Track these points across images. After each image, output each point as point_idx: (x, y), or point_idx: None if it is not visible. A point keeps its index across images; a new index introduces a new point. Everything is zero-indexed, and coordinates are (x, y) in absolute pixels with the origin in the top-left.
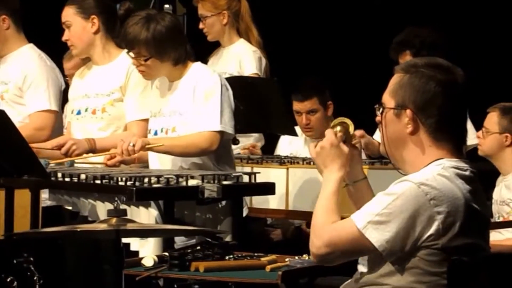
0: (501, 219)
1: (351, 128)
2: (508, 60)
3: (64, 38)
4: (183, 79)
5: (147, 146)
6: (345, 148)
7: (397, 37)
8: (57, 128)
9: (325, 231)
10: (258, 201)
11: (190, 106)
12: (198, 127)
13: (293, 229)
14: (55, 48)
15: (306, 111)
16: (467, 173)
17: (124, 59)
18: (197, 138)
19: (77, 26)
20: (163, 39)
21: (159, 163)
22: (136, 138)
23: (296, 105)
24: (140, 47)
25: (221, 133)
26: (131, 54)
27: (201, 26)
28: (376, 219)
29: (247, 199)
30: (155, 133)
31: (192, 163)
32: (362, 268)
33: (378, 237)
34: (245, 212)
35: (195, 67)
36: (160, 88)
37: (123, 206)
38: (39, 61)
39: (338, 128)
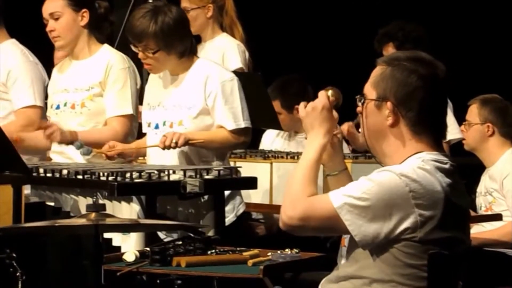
0: (483, 209)
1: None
2: (491, 57)
3: (48, 28)
4: (189, 73)
5: (189, 142)
6: (335, 114)
7: (382, 28)
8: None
9: (300, 203)
10: (242, 196)
11: (199, 101)
12: (227, 125)
13: (278, 224)
14: (37, 43)
15: None
16: (447, 166)
17: (103, 54)
18: (229, 134)
19: (68, 18)
20: (171, 32)
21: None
22: (178, 134)
23: None
24: (148, 40)
25: (248, 127)
26: (139, 47)
27: None
28: (353, 202)
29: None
30: (156, 126)
31: (196, 158)
32: (342, 261)
33: (352, 220)
34: (242, 209)
35: (201, 63)
36: (161, 80)
37: (105, 201)
38: (22, 56)
39: (330, 92)
